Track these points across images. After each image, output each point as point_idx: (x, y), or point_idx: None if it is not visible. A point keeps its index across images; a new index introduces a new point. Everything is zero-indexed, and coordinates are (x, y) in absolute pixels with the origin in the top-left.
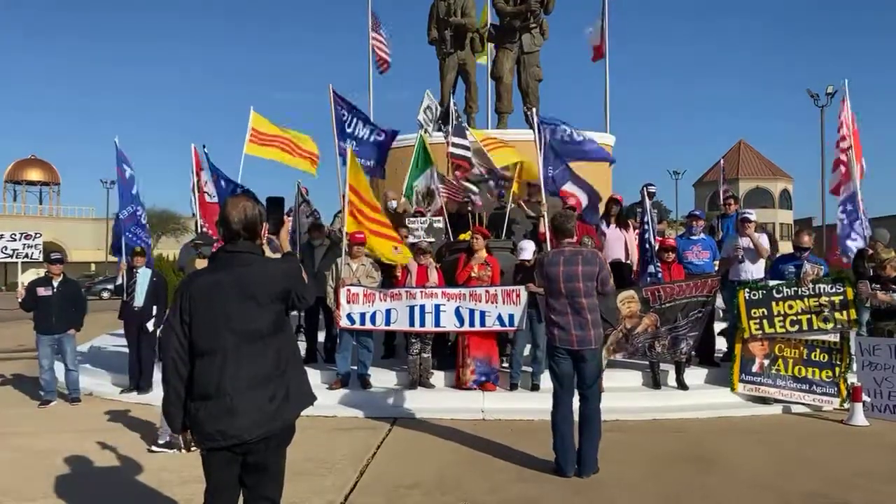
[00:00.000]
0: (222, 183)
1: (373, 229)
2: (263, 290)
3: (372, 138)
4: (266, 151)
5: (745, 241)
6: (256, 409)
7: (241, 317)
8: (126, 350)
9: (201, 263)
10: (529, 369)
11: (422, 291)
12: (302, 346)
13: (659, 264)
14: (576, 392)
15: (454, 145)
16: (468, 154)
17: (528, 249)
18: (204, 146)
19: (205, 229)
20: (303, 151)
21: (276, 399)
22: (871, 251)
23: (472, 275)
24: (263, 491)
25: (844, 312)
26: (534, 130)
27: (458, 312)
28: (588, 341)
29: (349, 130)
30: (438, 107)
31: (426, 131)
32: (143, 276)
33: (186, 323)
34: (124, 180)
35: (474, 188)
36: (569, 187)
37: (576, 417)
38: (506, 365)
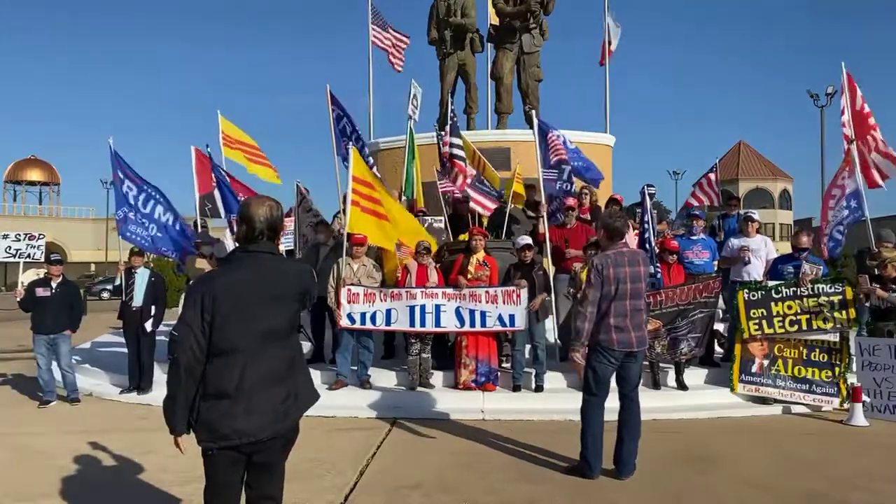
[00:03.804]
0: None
1: (381, 213)
2: (286, 290)
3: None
4: (233, 154)
5: (749, 241)
6: (271, 409)
7: (265, 316)
8: (126, 350)
9: (201, 263)
10: (531, 370)
11: (422, 291)
12: (304, 345)
13: (658, 265)
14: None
15: (452, 146)
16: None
17: (527, 237)
18: (207, 146)
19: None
20: (262, 160)
21: (289, 398)
22: (875, 251)
23: (470, 276)
24: (268, 490)
25: (843, 312)
26: (534, 130)
27: (458, 313)
28: (645, 340)
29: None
30: (417, 94)
31: (415, 120)
32: (142, 277)
33: (208, 322)
34: (118, 182)
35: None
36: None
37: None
38: (506, 365)
